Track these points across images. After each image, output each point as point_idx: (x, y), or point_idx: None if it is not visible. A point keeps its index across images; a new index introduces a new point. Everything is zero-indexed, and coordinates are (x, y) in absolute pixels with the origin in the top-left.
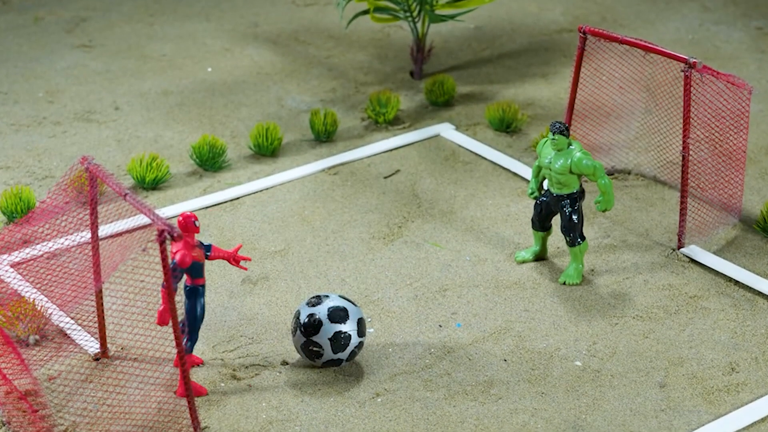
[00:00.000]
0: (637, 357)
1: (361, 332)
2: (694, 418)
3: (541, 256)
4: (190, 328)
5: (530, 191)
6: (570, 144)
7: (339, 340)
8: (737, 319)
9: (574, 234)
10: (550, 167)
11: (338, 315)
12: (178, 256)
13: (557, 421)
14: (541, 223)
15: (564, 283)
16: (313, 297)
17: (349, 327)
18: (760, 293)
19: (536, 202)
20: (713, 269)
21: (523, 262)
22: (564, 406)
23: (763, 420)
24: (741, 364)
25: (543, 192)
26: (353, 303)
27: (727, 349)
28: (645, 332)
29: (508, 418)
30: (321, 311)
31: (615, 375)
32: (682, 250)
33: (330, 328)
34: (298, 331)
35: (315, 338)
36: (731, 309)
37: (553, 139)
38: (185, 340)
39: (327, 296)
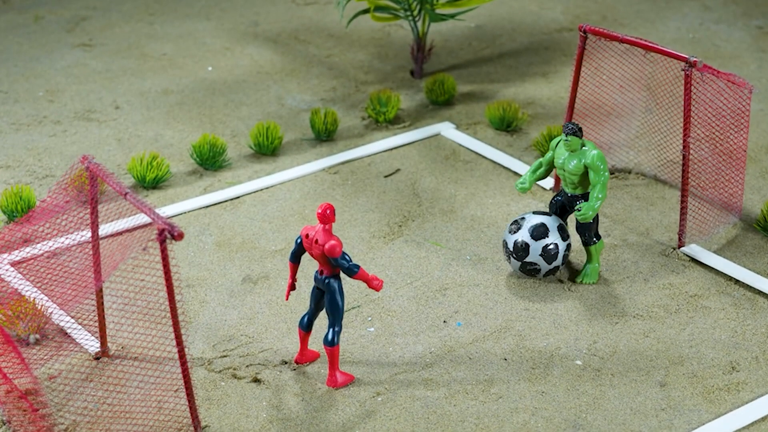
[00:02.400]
0: (637, 356)
1: (564, 237)
2: (694, 417)
3: None
4: (335, 318)
5: (521, 182)
6: (583, 144)
7: (548, 252)
8: (737, 318)
9: (589, 233)
10: (564, 167)
11: (540, 231)
12: (333, 247)
13: (557, 420)
14: None
15: (582, 282)
16: (512, 224)
17: (552, 238)
18: (760, 292)
19: (551, 201)
20: (714, 268)
21: None
22: (564, 405)
23: (763, 419)
24: (741, 363)
25: (557, 191)
26: (548, 214)
27: (727, 348)
28: (645, 331)
29: (508, 417)
30: (524, 234)
31: (615, 374)
32: (682, 249)
33: (537, 246)
34: (512, 258)
35: (528, 259)
36: (732, 308)
37: (566, 140)
38: (331, 331)
39: (523, 218)
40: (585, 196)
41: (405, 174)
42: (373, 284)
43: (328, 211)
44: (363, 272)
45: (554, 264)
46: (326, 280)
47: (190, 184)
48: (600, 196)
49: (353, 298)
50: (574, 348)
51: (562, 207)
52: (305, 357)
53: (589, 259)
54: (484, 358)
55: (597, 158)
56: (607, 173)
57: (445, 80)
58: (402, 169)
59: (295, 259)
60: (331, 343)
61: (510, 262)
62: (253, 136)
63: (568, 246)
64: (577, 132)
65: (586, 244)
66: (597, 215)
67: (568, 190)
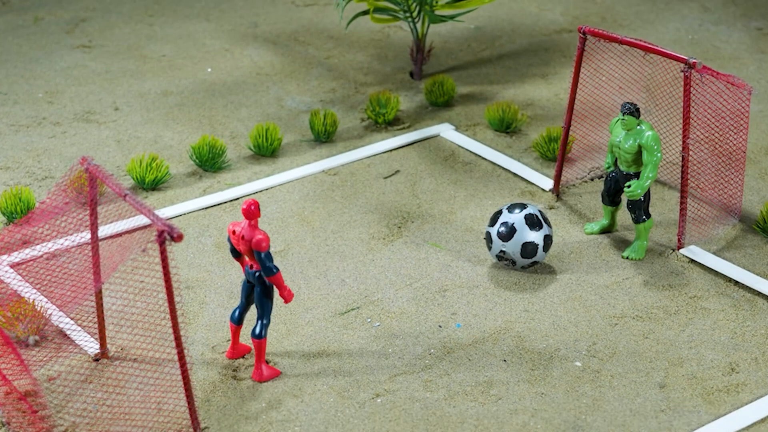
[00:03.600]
0: (636, 357)
1: (545, 226)
2: (694, 419)
3: (608, 230)
4: (264, 311)
5: (606, 165)
6: (639, 124)
7: (526, 249)
8: (737, 320)
9: (639, 211)
10: (620, 146)
11: (534, 221)
12: (259, 241)
13: (557, 422)
14: (610, 197)
15: (627, 258)
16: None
17: (536, 235)
18: (759, 293)
19: (607, 177)
20: (713, 269)
21: (591, 233)
22: (564, 407)
23: (762, 420)
24: (741, 365)
25: (614, 168)
26: (523, 206)
27: (726, 349)
28: (645, 332)
29: (507, 419)
30: (531, 236)
31: (615, 375)
32: (681, 250)
33: (540, 253)
34: (521, 259)
35: (536, 258)
36: (731, 309)
37: (623, 119)
38: (259, 324)
39: (513, 226)
40: (638, 175)
41: (404, 175)
42: (284, 293)
43: (252, 207)
44: (279, 277)
45: (546, 252)
46: (256, 274)
47: (189, 185)
48: (651, 175)
49: (353, 300)
50: (573, 349)
51: (616, 183)
52: (237, 351)
53: (638, 236)
54: (483, 359)
55: (652, 139)
56: (659, 154)
57: (444, 81)
58: (401, 170)
59: (236, 254)
60: (258, 336)
61: (515, 265)
62: (253, 138)
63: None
64: (634, 112)
65: (636, 221)
66: (649, 193)
67: (623, 168)
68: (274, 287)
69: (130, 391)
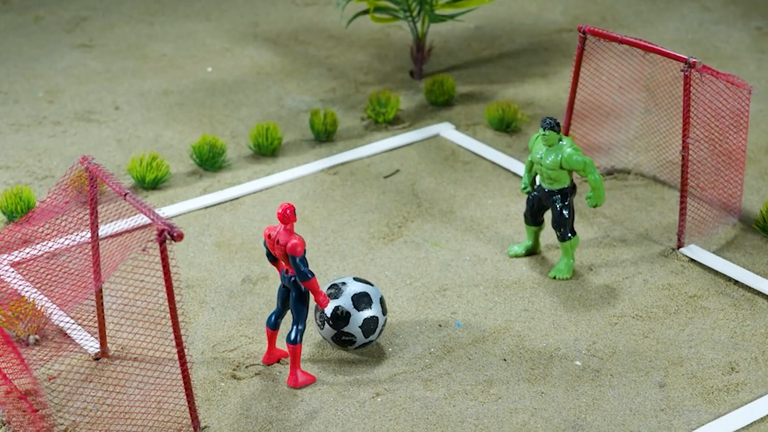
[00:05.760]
0: (636, 357)
1: (384, 311)
2: (693, 418)
3: (533, 251)
4: (300, 316)
5: (523, 186)
6: (561, 140)
7: (369, 325)
8: (737, 319)
9: (564, 229)
10: (541, 162)
11: (363, 301)
12: (294, 246)
13: (557, 421)
14: (533, 217)
15: (554, 278)
16: (330, 287)
17: (375, 310)
18: (759, 293)
19: (528, 197)
20: (713, 269)
21: (516, 256)
22: (564, 406)
23: (762, 420)
24: (741, 364)
25: (535, 187)
26: (370, 283)
27: (726, 348)
28: (645, 332)
29: (507, 418)
30: (345, 302)
31: (615, 375)
32: (681, 249)
33: (359, 317)
34: (327, 325)
35: (346, 329)
36: (731, 308)
37: (544, 134)
38: (294, 329)
39: (344, 283)
40: (561, 191)
41: (404, 175)
42: (319, 299)
43: (288, 211)
44: (315, 282)
45: (370, 338)
46: (292, 279)
47: (189, 184)
48: (597, 177)
49: None
50: (573, 348)
51: (539, 202)
52: (273, 356)
53: (564, 255)
54: (483, 358)
55: (571, 156)
56: (586, 158)
57: (444, 81)
58: (401, 169)
59: (272, 258)
60: (293, 342)
61: (322, 329)
62: (253, 137)
63: (385, 321)
64: (555, 127)
65: (562, 239)
66: (573, 211)
67: (545, 185)
68: (308, 292)
69: (130, 390)
